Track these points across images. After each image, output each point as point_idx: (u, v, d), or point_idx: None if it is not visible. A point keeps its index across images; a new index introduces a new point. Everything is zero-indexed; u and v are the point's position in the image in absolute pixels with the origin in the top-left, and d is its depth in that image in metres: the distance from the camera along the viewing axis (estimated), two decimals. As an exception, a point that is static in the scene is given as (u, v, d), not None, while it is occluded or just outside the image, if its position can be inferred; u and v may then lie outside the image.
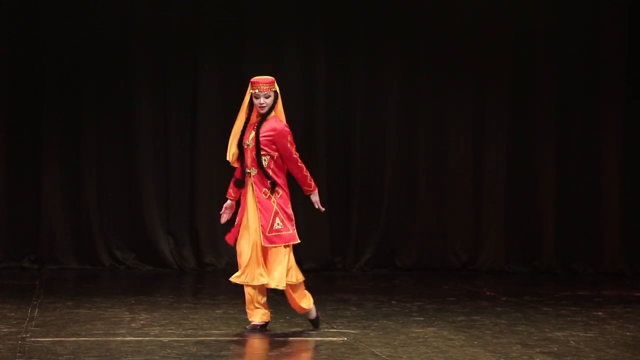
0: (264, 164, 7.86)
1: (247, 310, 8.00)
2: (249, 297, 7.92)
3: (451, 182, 12.82)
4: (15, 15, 12.23)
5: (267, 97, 7.90)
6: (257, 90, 7.89)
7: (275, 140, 7.87)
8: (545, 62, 12.83)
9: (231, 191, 8.01)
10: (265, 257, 7.87)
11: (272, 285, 7.78)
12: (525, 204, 12.85)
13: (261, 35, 12.46)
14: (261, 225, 7.81)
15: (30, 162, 12.34)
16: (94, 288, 10.90)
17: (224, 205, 8.03)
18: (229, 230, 8.01)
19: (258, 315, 7.95)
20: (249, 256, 7.82)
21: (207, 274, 12.32)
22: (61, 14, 12.29)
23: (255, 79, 7.90)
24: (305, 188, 8.08)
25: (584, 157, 12.87)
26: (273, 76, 7.99)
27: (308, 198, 8.16)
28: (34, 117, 12.32)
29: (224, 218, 8.05)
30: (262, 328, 7.93)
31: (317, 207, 8.13)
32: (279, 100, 7.96)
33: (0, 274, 11.79)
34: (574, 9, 12.83)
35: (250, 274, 7.83)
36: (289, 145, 7.90)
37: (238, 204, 7.99)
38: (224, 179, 12.33)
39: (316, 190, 8.11)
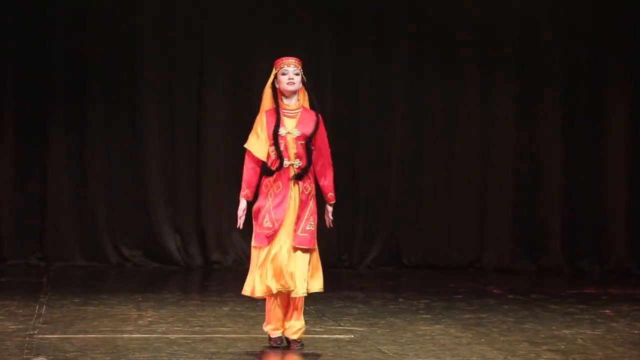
0: (312, 156, 7.08)
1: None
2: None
3: (457, 180, 12.81)
4: (23, 13, 12.23)
5: (296, 74, 7.05)
6: (285, 67, 7.04)
7: (317, 133, 7.12)
8: (551, 59, 12.81)
9: (249, 192, 7.13)
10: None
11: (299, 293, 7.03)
12: (531, 202, 12.84)
13: (268, 32, 12.44)
14: (294, 223, 7.03)
15: (36, 159, 12.35)
16: (101, 285, 10.92)
17: (242, 208, 7.11)
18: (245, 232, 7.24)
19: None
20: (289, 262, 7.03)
21: (214, 271, 12.32)
22: (67, 11, 12.29)
23: (280, 58, 7.11)
24: (331, 194, 7.21)
25: (590, 155, 12.85)
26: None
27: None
28: (41, 114, 12.32)
29: (242, 221, 7.12)
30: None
31: (331, 217, 7.33)
32: (306, 90, 7.18)
33: (7, 271, 11.81)
34: (580, 4, 12.83)
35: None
36: (327, 140, 7.17)
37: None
38: (231, 176, 12.43)
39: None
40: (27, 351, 6.97)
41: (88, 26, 12.32)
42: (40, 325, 8.06)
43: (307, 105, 7.20)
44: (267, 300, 7.12)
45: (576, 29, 12.82)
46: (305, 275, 7.01)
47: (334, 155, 12.42)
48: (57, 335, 7.61)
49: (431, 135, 12.81)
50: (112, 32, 12.35)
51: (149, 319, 8.48)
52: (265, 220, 7.01)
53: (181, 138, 12.53)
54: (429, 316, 8.89)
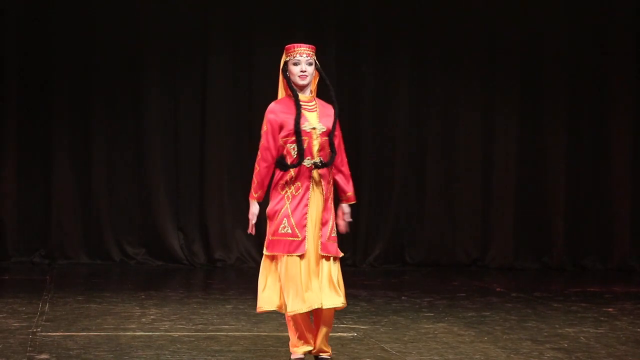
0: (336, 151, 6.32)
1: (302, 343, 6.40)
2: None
3: (461, 178, 12.81)
4: (26, 11, 12.24)
5: (309, 65, 6.28)
6: (297, 56, 6.26)
7: (338, 126, 6.43)
8: (554, 57, 12.80)
9: (262, 193, 6.29)
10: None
11: (329, 305, 6.28)
12: (534, 200, 12.84)
13: (271, 30, 12.43)
14: (319, 229, 6.31)
15: (40, 157, 12.36)
16: (104, 283, 10.93)
17: (254, 212, 6.30)
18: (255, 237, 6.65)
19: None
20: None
21: (217, 269, 12.33)
22: (70, 11, 12.29)
23: (291, 44, 6.34)
24: (350, 194, 6.47)
25: (594, 153, 12.85)
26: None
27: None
28: (44, 112, 12.33)
29: (253, 226, 6.35)
30: None
31: (348, 219, 6.53)
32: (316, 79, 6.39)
33: (11, 269, 11.83)
34: (583, 3, 12.82)
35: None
36: (341, 133, 6.44)
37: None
38: (234, 174, 12.46)
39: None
40: (30, 349, 6.97)
41: (90, 25, 12.32)
42: (43, 323, 8.07)
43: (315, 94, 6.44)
44: (289, 315, 6.28)
45: (580, 31, 12.80)
46: (336, 284, 6.30)
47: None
48: (60, 333, 7.62)
49: (434, 133, 12.81)
50: (115, 31, 12.35)
51: (152, 316, 8.48)
52: (282, 226, 6.22)
53: (184, 136, 12.54)
54: (432, 314, 8.89)
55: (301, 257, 6.22)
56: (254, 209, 6.29)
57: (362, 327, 8.13)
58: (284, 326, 7.93)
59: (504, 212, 12.81)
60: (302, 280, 6.19)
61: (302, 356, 6.38)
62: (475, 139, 12.83)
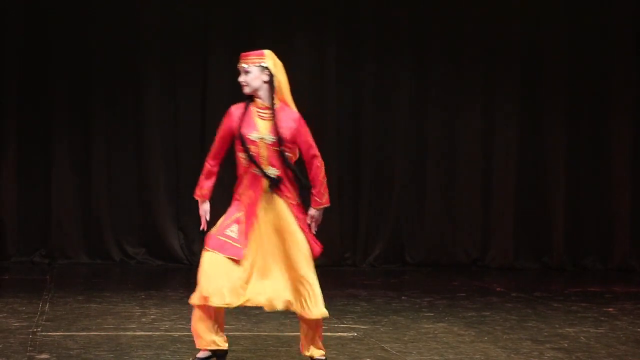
0: (288, 163, 6.17)
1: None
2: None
3: (461, 178, 12.81)
4: (26, 11, 12.24)
5: (246, 73, 6.18)
6: (239, 65, 6.23)
7: (296, 134, 6.18)
8: (555, 56, 12.80)
9: (207, 191, 6.44)
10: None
11: (317, 315, 6.19)
12: (535, 200, 12.84)
13: (271, 30, 12.43)
14: (310, 235, 6.22)
15: (40, 157, 12.36)
16: (105, 283, 10.93)
17: (206, 209, 6.42)
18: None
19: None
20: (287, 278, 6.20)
21: (217, 269, 12.31)
22: (70, 11, 12.29)
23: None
24: (317, 199, 6.25)
25: (595, 153, 12.85)
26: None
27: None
28: (44, 112, 12.33)
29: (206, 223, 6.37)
30: None
31: (314, 224, 6.28)
32: (281, 85, 6.22)
33: (11, 269, 11.82)
34: (583, 3, 12.82)
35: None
36: (310, 138, 6.22)
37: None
38: (234, 174, 12.43)
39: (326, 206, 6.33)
40: (31, 348, 6.97)
41: (90, 25, 12.32)
42: (43, 322, 8.07)
43: (292, 105, 6.30)
44: (203, 308, 6.23)
45: (580, 31, 12.79)
46: (318, 293, 6.14)
47: (338, 153, 12.56)
48: (61, 333, 7.62)
49: (434, 133, 12.80)
50: (115, 31, 12.34)
51: (152, 316, 8.48)
52: (230, 229, 6.22)
53: (184, 136, 12.53)
54: (432, 314, 8.89)
55: (237, 261, 6.12)
56: (206, 206, 6.39)
57: (362, 327, 8.13)
58: (284, 326, 7.95)
59: (504, 212, 12.81)
60: (223, 276, 6.10)
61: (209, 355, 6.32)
62: (475, 139, 12.83)
